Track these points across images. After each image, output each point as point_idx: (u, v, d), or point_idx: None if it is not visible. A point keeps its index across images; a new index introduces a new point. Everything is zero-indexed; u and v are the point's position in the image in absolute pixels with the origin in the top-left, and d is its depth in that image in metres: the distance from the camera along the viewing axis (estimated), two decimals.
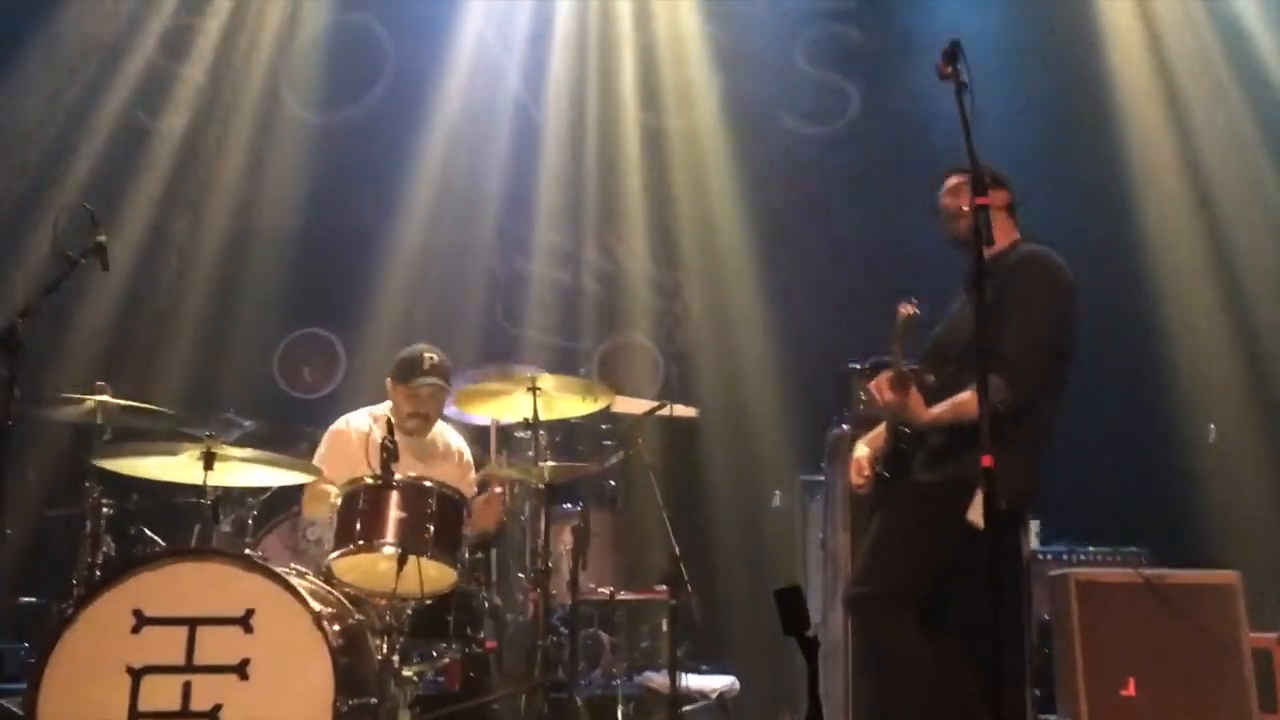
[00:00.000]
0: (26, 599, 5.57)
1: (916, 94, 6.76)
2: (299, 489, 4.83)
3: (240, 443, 4.69)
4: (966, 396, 3.72)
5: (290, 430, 5.86)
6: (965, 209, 3.80)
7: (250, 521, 4.89)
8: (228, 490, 4.58)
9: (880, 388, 3.87)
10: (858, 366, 4.96)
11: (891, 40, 7.29)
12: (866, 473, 4.09)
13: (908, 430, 3.92)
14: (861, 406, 4.92)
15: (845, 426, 5.09)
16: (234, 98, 7.29)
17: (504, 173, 7.34)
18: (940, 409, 3.85)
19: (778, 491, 6.61)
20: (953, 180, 4.06)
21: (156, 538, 4.53)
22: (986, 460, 3.11)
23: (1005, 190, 4.08)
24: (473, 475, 5.08)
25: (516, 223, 7.39)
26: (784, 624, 2.85)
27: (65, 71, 6.89)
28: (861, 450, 4.16)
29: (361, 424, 5.00)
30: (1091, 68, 7.02)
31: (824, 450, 5.34)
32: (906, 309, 3.82)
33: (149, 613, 3.74)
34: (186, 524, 4.83)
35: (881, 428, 4.10)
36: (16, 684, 4.93)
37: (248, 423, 5.96)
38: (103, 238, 4.19)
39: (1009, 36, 7.02)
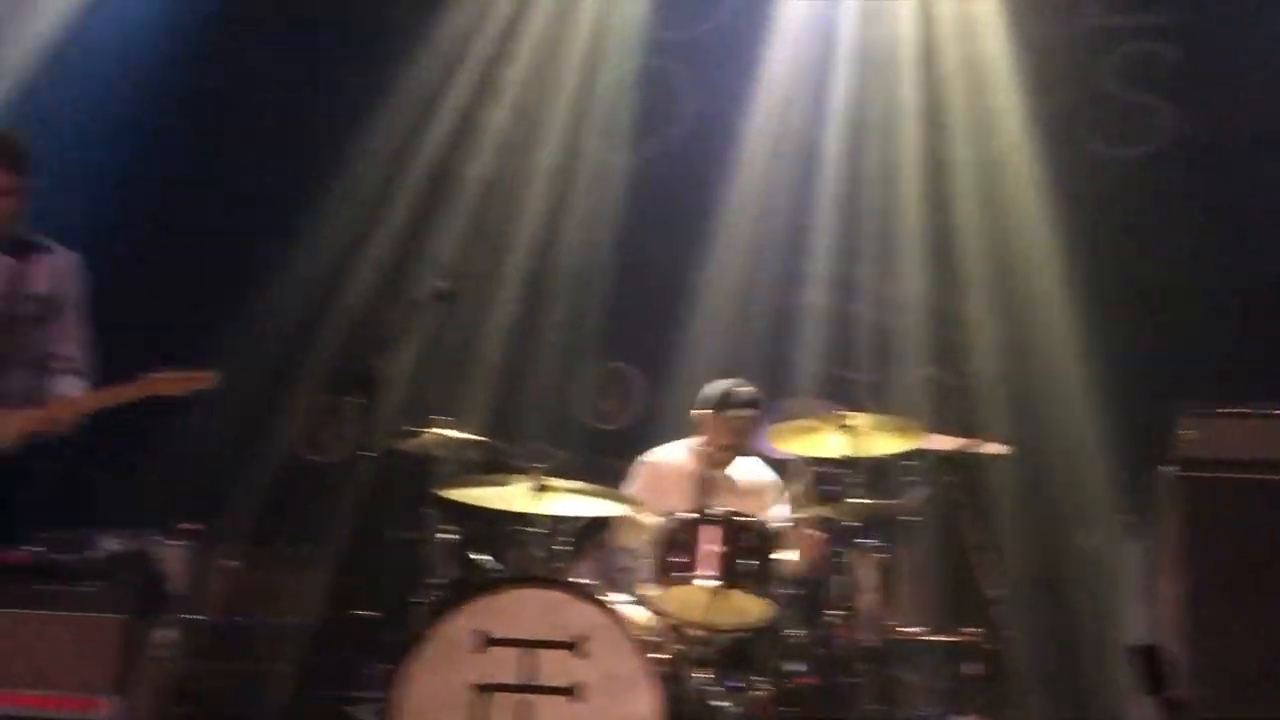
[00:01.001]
0: (362, 612, 6.00)
1: (1236, 113, 6.36)
2: (604, 519, 5.03)
3: (561, 474, 4.92)
4: None
5: (595, 461, 6.09)
6: None
7: (562, 550, 5.12)
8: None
9: None
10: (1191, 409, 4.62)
11: (1210, 58, 6.88)
12: None
13: None
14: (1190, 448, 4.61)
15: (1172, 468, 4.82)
16: (537, 140, 7.68)
17: (794, 206, 7.40)
18: None
19: (1086, 531, 6.33)
20: None
21: (491, 562, 4.80)
22: None
23: None
24: (786, 509, 5.13)
25: (802, 254, 7.42)
26: (1143, 685, 2.73)
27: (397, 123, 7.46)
28: None
29: (677, 456, 5.16)
30: None
31: (1145, 491, 5.07)
32: None
33: (493, 634, 3.99)
34: (510, 551, 5.12)
35: None
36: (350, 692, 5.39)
37: (559, 453, 6.25)
38: (450, 284, 4.54)
39: None
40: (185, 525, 6.19)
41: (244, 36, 7.49)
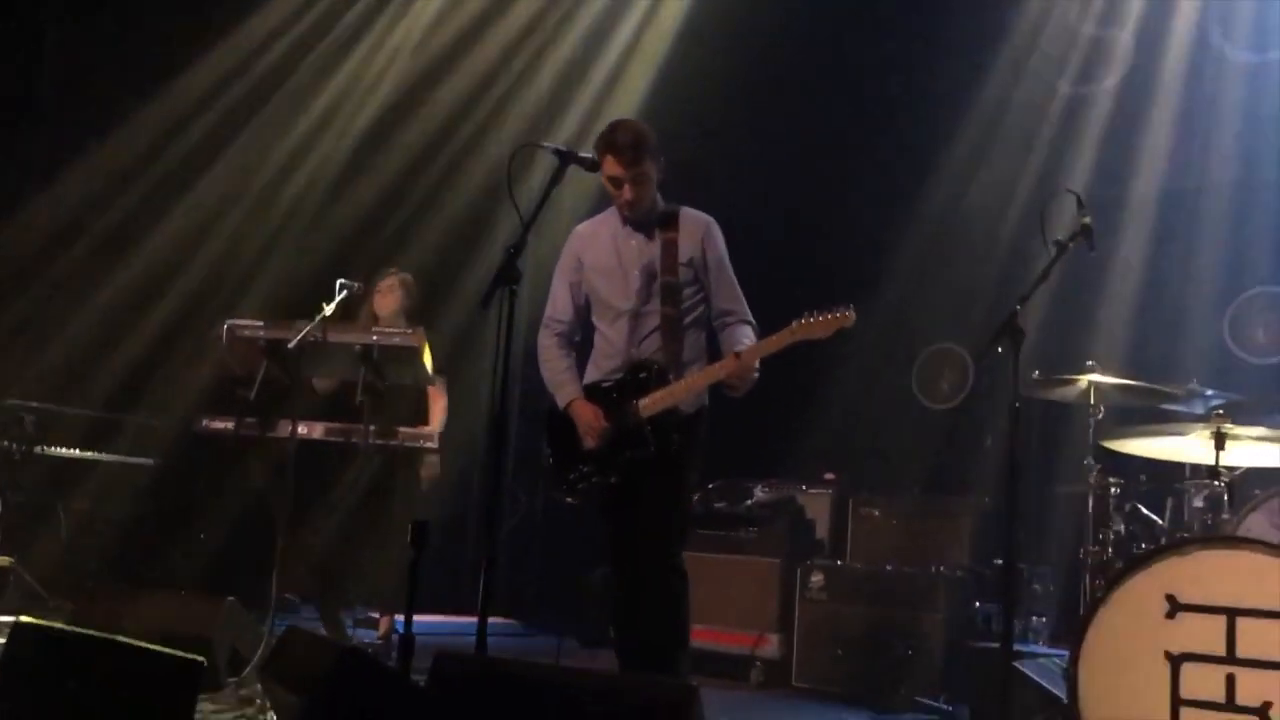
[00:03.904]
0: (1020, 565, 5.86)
1: None
2: None
3: (1241, 420, 4.44)
4: None
5: (1262, 399, 5.46)
6: None
7: (1225, 498, 4.64)
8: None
9: None
10: None
11: None
12: None
13: None
14: None
15: None
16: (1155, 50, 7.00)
17: None
18: None
19: None
20: None
21: (1156, 519, 4.48)
22: None
23: None
24: None
25: None
26: None
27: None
28: None
29: None
30: None
31: None
32: None
33: (1183, 599, 3.69)
34: (1175, 504, 4.75)
35: None
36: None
37: (1209, 392, 5.68)
38: (1088, 219, 4.22)
39: None
40: (830, 476, 6.48)
41: None
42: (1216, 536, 3.99)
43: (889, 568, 5.82)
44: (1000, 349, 3.93)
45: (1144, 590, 3.76)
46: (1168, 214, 6.85)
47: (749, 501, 6.18)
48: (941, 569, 5.71)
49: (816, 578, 5.87)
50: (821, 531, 6.39)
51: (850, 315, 3.91)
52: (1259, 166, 6.60)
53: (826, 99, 7.38)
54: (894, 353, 7.34)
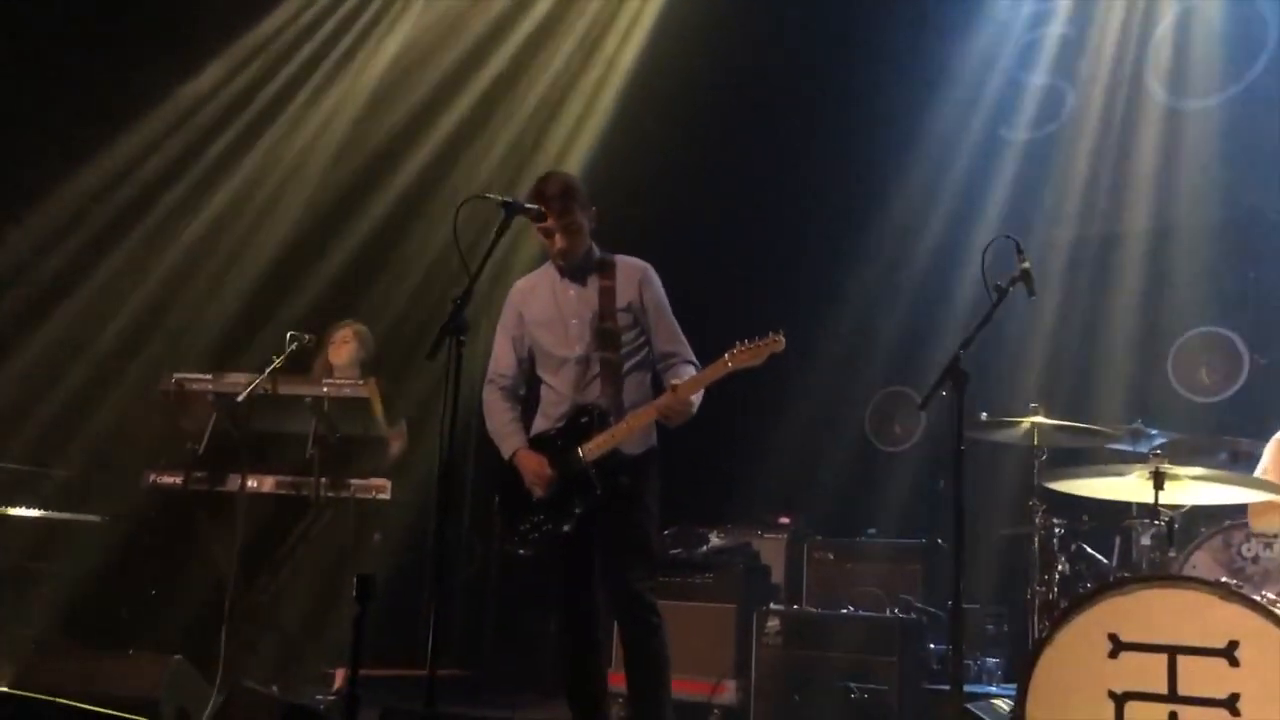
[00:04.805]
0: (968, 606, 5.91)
1: None
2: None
3: (1180, 459, 4.52)
4: None
5: (1202, 440, 5.55)
6: None
7: (1170, 536, 4.70)
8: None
9: None
10: None
11: None
12: None
13: None
14: None
15: None
16: (1092, 97, 7.17)
17: None
18: None
19: None
20: None
21: (1101, 558, 4.54)
22: None
23: None
24: None
25: None
26: None
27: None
28: None
29: None
30: None
31: None
32: None
33: (1125, 638, 3.73)
34: (1123, 545, 4.81)
35: None
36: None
37: (1154, 432, 5.78)
38: (1027, 264, 4.31)
39: None
40: (783, 519, 6.50)
41: None
42: (1157, 575, 4.05)
43: (844, 611, 5.84)
44: (944, 392, 3.99)
45: (1087, 629, 3.80)
46: (1111, 256, 6.99)
47: (704, 548, 6.19)
48: (896, 612, 5.74)
49: (773, 623, 5.87)
50: (777, 576, 6.40)
51: (780, 340, 3.99)
52: (1200, 209, 6.75)
53: (778, 139, 7.48)
54: (848, 395, 7.40)
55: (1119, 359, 6.71)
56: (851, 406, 7.46)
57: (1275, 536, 4.51)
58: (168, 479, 5.03)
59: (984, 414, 4.92)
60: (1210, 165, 6.62)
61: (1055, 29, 7.47)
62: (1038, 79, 7.48)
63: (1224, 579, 4.21)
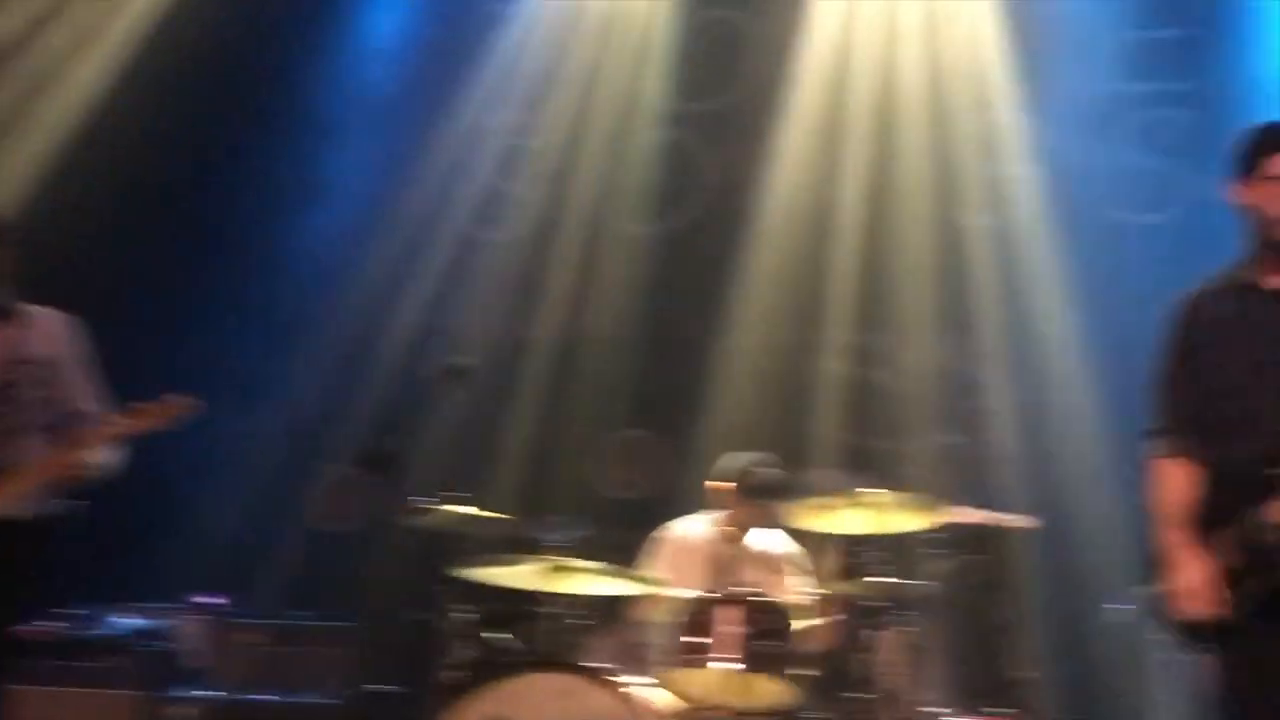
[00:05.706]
0: (376, 686, 5.94)
1: None
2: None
3: (579, 552, 4.86)
4: None
5: (614, 536, 6.01)
6: None
7: (581, 628, 5.04)
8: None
9: None
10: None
11: (1226, 124, 6.88)
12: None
13: None
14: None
15: None
16: (562, 213, 7.71)
17: (814, 276, 7.40)
18: None
19: (1110, 605, 6.22)
20: None
21: (509, 642, 4.73)
22: None
23: None
24: (808, 581, 5.05)
25: (818, 323, 7.40)
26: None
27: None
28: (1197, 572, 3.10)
29: (696, 531, 5.10)
30: None
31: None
32: None
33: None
34: (527, 631, 5.06)
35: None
36: None
37: (577, 528, 6.18)
38: (459, 360, 4.53)
39: None
40: (203, 599, 6.18)
41: None
42: (537, 660, 4.31)
43: (261, 697, 5.64)
44: (376, 476, 4.05)
45: (476, 711, 3.98)
46: (561, 359, 7.48)
47: (108, 629, 5.72)
48: (316, 697, 5.64)
49: (180, 710, 5.54)
50: (191, 659, 6.05)
51: (188, 404, 3.92)
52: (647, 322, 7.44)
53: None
54: (294, 467, 7.21)
55: (560, 456, 7.16)
56: (297, 481, 7.28)
57: (656, 625, 4.91)
58: None
59: (415, 500, 5.01)
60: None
61: None
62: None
63: (611, 664, 4.57)
